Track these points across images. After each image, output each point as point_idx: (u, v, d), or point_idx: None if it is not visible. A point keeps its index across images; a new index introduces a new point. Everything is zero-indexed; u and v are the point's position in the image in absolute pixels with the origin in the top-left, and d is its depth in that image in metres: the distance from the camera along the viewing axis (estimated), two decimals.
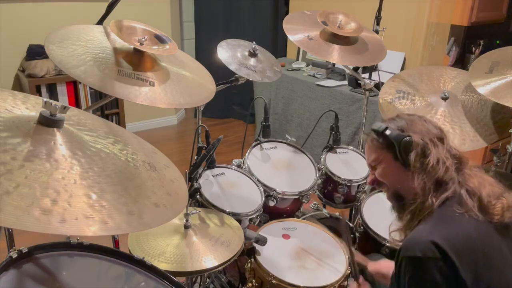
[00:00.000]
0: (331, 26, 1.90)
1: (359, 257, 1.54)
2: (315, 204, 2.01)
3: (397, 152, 1.15)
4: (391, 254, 1.63)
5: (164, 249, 1.31)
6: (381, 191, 1.93)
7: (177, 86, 1.40)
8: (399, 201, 1.21)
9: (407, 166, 1.15)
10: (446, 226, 1.06)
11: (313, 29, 1.95)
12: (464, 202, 1.08)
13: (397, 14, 3.20)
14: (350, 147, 2.16)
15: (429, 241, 1.01)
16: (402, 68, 3.33)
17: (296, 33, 1.93)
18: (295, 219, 1.79)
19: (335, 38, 1.91)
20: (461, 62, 3.50)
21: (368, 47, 1.98)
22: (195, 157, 1.64)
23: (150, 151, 1.11)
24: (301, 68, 3.90)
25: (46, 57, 3.29)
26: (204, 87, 1.53)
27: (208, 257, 1.32)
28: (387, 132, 1.16)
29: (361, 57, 1.93)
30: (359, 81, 2.73)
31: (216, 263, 1.31)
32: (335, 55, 1.88)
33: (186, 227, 1.40)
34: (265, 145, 2.01)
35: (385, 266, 1.45)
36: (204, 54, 4.54)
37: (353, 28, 1.94)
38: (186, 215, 1.40)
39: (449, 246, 1.00)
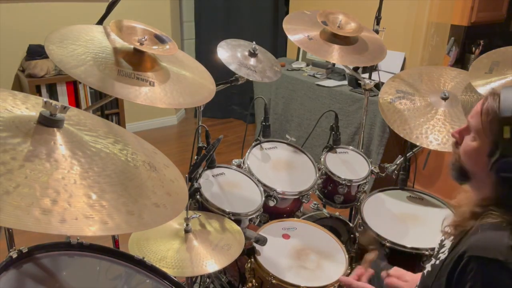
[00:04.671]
0: (331, 26, 1.90)
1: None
2: (315, 204, 2.00)
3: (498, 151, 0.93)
4: (391, 254, 1.63)
5: (165, 254, 1.31)
6: (381, 191, 1.94)
7: (177, 86, 1.40)
8: (462, 177, 1.05)
9: (491, 169, 0.95)
10: None
11: (313, 29, 1.95)
12: None
13: (397, 14, 3.20)
14: (350, 147, 2.15)
15: (510, 246, 0.88)
16: (402, 68, 3.33)
17: (296, 33, 1.93)
18: (295, 219, 1.79)
19: (335, 38, 1.91)
20: (461, 62, 3.50)
21: (368, 47, 1.97)
22: (195, 157, 1.64)
23: (150, 151, 1.11)
24: (301, 68, 3.90)
25: (46, 57, 3.30)
26: (204, 87, 1.53)
27: (209, 261, 1.32)
28: None
29: (361, 57, 1.93)
30: (359, 81, 2.73)
31: (217, 268, 1.31)
32: (335, 55, 1.88)
33: (187, 231, 1.39)
34: (265, 145, 2.01)
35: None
36: (204, 54, 4.55)
37: (353, 28, 1.94)
38: (187, 219, 1.39)
39: None
